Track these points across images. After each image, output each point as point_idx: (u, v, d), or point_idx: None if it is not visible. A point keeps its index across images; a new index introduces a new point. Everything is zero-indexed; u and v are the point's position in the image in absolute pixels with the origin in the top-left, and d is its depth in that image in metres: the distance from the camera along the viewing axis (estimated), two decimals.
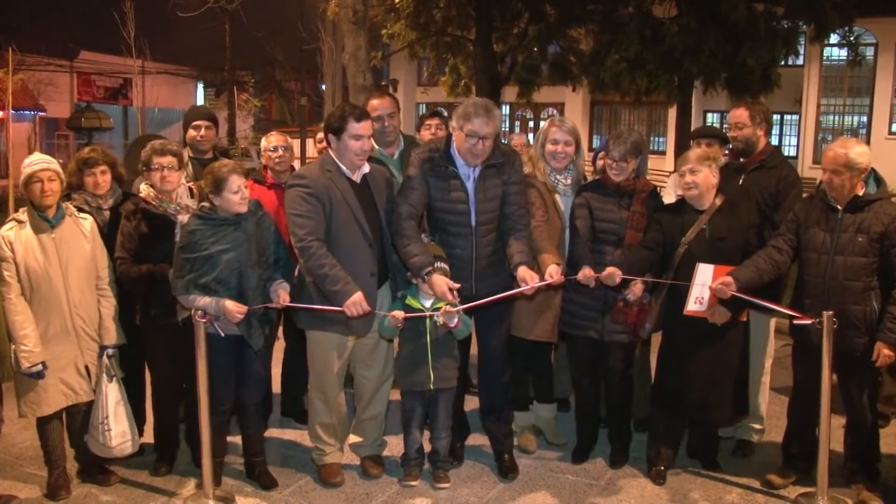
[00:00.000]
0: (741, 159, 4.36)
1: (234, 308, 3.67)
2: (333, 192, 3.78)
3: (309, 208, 3.73)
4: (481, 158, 3.88)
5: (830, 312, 3.64)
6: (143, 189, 4.01)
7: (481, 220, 3.93)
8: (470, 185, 3.92)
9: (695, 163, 3.91)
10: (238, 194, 3.71)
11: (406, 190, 3.94)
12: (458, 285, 3.78)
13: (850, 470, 3.97)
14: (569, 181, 4.23)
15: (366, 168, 3.91)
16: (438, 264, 3.80)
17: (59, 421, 3.93)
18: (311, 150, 14.36)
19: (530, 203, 4.08)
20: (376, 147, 4.42)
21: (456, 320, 3.80)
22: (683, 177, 3.94)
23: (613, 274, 3.80)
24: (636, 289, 4.00)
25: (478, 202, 3.92)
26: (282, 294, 3.78)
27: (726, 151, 4.61)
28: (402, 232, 3.85)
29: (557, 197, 4.19)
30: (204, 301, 3.68)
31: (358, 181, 3.89)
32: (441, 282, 3.73)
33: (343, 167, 3.85)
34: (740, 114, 4.33)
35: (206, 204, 3.80)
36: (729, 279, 3.75)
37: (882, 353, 3.66)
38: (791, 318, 3.85)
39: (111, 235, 4.00)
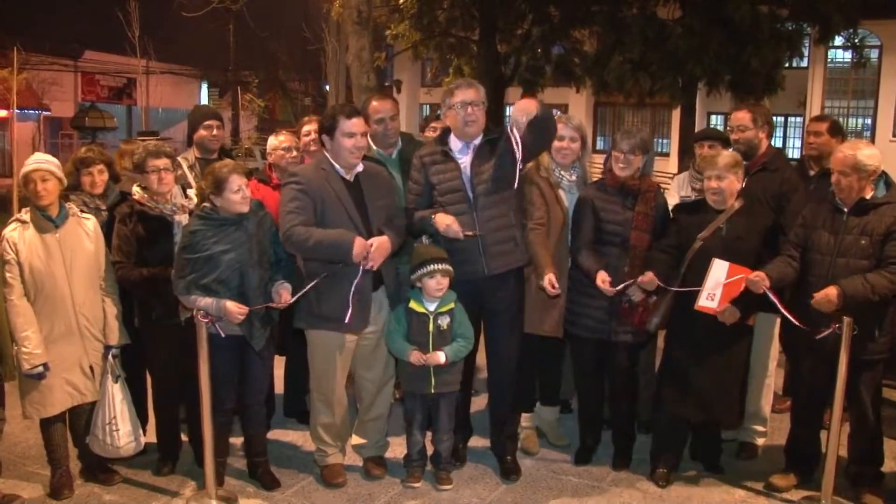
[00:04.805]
0: (744, 162, 4.35)
1: (235, 309, 3.67)
2: (327, 190, 3.79)
3: (299, 204, 3.74)
4: (477, 126, 3.95)
5: (850, 319, 3.57)
6: (137, 191, 4.01)
7: (479, 190, 3.93)
8: (466, 161, 3.97)
9: (723, 170, 3.87)
10: (239, 194, 3.72)
11: (412, 190, 4.08)
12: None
13: (854, 473, 3.95)
14: (573, 178, 4.23)
15: (359, 167, 3.92)
16: (436, 266, 3.81)
17: (62, 421, 3.93)
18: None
19: (529, 203, 4.09)
20: (374, 147, 4.42)
21: (444, 362, 3.86)
22: (709, 181, 3.90)
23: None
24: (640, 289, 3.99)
25: (473, 175, 3.95)
26: (283, 294, 3.78)
27: None
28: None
29: (561, 192, 4.18)
30: (205, 302, 3.68)
31: (351, 180, 3.90)
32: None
33: (337, 167, 3.87)
34: (742, 116, 4.31)
35: (207, 204, 3.80)
36: (763, 273, 3.72)
37: (828, 293, 3.56)
38: (811, 329, 3.67)
39: (110, 236, 3.99)
